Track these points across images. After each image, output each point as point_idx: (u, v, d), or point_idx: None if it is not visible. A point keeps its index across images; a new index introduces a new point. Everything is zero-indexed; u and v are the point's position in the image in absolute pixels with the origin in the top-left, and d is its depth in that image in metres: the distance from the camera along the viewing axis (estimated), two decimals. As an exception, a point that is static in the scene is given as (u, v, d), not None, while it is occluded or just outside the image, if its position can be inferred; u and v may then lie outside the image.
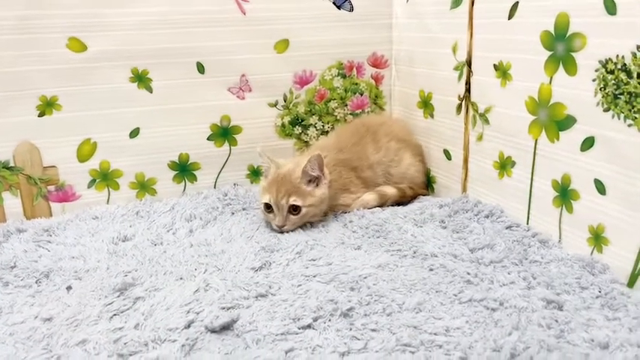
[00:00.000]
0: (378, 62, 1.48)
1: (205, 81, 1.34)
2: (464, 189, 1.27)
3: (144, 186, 1.36)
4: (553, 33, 0.96)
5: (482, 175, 1.21)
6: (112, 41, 1.25)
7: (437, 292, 0.89)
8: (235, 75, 1.36)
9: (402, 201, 1.30)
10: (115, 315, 0.86)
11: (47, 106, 1.24)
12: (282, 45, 1.38)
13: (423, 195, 1.36)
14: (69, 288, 0.96)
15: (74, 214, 1.28)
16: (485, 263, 0.97)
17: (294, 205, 1.14)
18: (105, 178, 1.32)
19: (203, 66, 1.33)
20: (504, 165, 1.13)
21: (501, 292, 0.86)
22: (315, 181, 1.17)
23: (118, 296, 0.91)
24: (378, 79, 1.50)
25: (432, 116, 1.35)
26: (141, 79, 1.29)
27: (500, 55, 1.10)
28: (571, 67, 0.94)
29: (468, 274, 0.93)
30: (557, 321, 0.79)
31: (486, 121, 1.16)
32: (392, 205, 1.28)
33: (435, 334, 0.78)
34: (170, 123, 1.34)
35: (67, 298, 0.91)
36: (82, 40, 1.23)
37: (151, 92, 1.31)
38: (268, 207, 1.16)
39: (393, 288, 0.91)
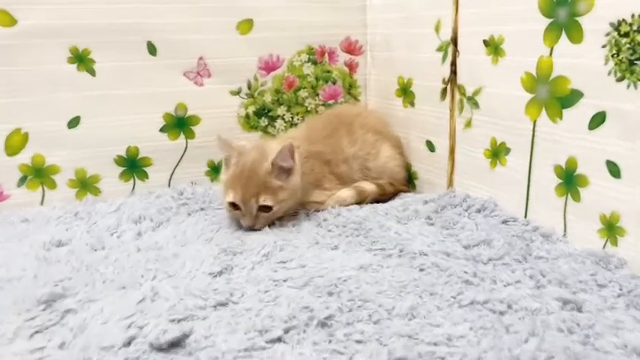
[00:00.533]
0: (351, 48, 1.36)
1: (157, 64, 1.20)
2: (450, 183, 1.15)
3: (85, 184, 1.21)
4: (554, -3, 0.85)
5: (471, 166, 1.09)
6: (48, 14, 1.10)
7: (431, 294, 0.76)
8: (192, 58, 1.23)
9: (382, 198, 1.18)
10: (36, 332, 0.71)
11: (-33, 89, 1.07)
12: (246, 25, 1.25)
13: (404, 192, 1.23)
14: (-17, 300, 0.78)
15: (1, 216, 1.11)
16: (484, 261, 0.84)
17: (264, 205, 1.01)
18: (38, 174, 1.16)
19: (155, 47, 1.19)
20: (497, 153, 1.01)
21: (507, 293, 0.73)
22: (286, 171, 1.02)
23: (44, 309, 0.75)
24: (352, 67, 1.37)
25: (412, 105, 1.23)
26: (82, 59, 1.14)
27: (491, 29, 0.98)
28: (576, 34, 0.82)
29: (466, 272, 0.80)
30: (578, 324, 0.66)
31: (475, 105, 1.04)
32: (370, 203, 1.15)
33: (435, 344, 0.64)
34: (116, 111, 1.19)
35: (-22, 313, 0.74)
36: (10, 12, 1.07)
37: (94, 75, 1.16)
38: (234, 205, 1.02)
39: (379, 291, 0.77)
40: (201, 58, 1.23)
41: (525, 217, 0.97)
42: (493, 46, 0.98)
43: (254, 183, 1.00)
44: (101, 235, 1.03)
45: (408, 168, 1.27)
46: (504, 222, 0.97)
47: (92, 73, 1.16)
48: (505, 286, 0.76)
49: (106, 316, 0.73)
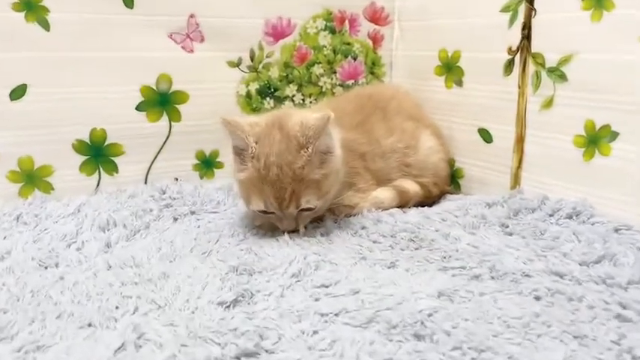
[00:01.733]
0: (377, 16, 1.13)
1: (135, 20, 0.96)
2: (515, 182, 0.91)
3: (32, 178, 0.95)
4: None
5: (551, 159, 0.86)
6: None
7: (578, 338, 0.51)
8: (181, 15, 0.99)
9: (426, 202, 0.93)
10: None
11: None
12: (251, -23, 1.00)
13: (449, 193, 0.98)
14: None
15: None
16: (622, 285, 0.60)
17: (308, 207, 0.78)
18: (-35, 162, 0.87)
19: (132, -4, 0.93)
20: (596, 139, 0.78)
21: (697, 336, 0.48)
22: (325, 152, 0.78)
23: None
24: (376, 40, 1.14)
25: (459, 84, 1.00)
26: (31, 6, 0.89)
27: (593, -25, 0.75)
28: None
29: (607, 303, 0.56)
30: None
31: (561, 78, 0.81)
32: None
33: None
34: (77, 81, 0.94)
35: None
36: None
37: (48, 30, 0.91)
38: (264, 210, 0.80)
39: (493, 333, 0.53)
40: (192, 16, 0.99)
41: (643, 223, 0.73)
42: (595, -3, 0.75)
43: (289, 182, 0.75)
44: (54, 246, 0.78)
45: (451, 164, 1.02)
46: (616, 231, 0.73)
47: (45, 26, 0.90)
48: (676, 323, 0.52)
49: (65, 375, 0.48)
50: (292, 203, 0.76)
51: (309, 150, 0.75)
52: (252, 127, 0.77)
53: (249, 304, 0.61)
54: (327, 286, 0.64)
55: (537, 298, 0.58)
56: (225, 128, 0.77)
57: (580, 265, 0.65)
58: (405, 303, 0.58)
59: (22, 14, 0.87)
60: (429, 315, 0.55)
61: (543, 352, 0.48)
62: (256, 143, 0.76)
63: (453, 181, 1.03)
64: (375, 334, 0.53)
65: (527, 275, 0.64)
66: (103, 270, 0.70)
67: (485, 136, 0.96)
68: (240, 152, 0.78)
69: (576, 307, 0.55)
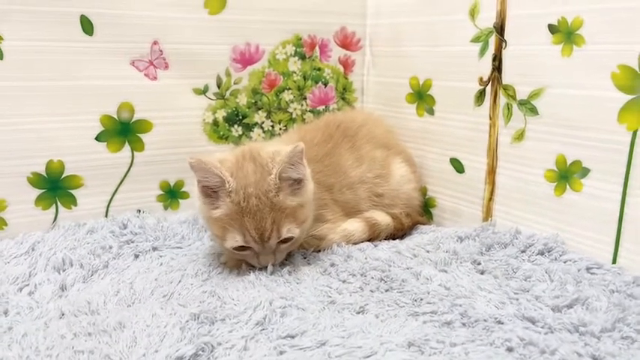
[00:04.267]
0: (347, 42, 1.09)
1: (95, 47, 0.91)
2: (487, 214, 0.89)
3: None
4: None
5: (522, 192, 0.84)
6: None
7: (551, 398, 0.47)
8: (143, 42, 0.94)
9: (398, 234, 0.90)
10: None
11: None
12: (217, 2, 0.96)
13: (422, 224, 0.96)
14: None
15: None
16: (594, 334, 0.58)
17: (288, 237, 0.76)
18: None
19: (91, 22, 0.89)
20: (567, 174, 0.76)
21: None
22: (297, 180, 0.76)
23: None
24: (347, 65, 1.10)
25: (431, 113, 0.97)
26: None
27: (562, 10, 0.75)
28: None
29: (580, 355, 0.53)
30: None
31: (532, 112, 0.80)
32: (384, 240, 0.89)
33: None
34: (33, 110, 0.89)
35: None
36: None
37: (1, 58, 0.85)
38: (242, 248, 0.77)
39: (465, 393, 0.48)
40: (155, 43, 0.95)
41: (614, 262, 0.72)
42: (565, 33, 0.74)
43: (269, 213, 0.73)
44: (4, 290, 0.73)
45: (423, 192, 1.00)
46: (588, 270, 0.71)
47: None
48: (651, 378, 0.50)
49: None
50: (274, 233, 0.74)
51: (273, 175, 0.73)
52: (223, 164, 0.75)
53: (209, 359, 0.57)
54: (292, 337, 0.60)
55: (509, 350, 0.56)
56: (194, 169, 0.73)
57: (552, 310, 0.63)
58: (373, 356, 0.55)
59: None
60: None
61: (516, 417, 0.46)
62: (232, 177, 0.73)
63: (425, 210, 1.01)
64: None
65: (499, 322, 0.61)
66: (56, 318, 0.66)
67: (457, 166, 0.94)
68: (210, 192, 0.74)
69: (547, 361, 0.53)
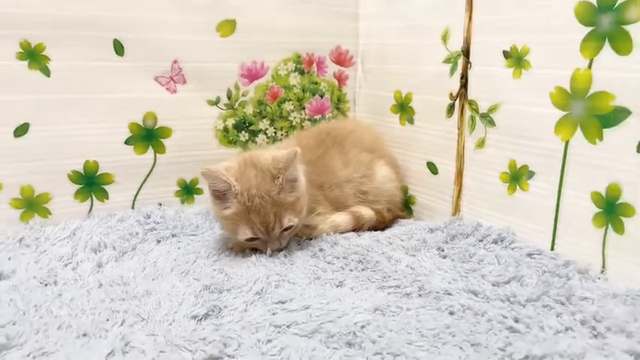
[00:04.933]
0: (342, 59, 1.24)
1: (125, 66, 1.04)
2: (456, 209, 1.04)
3: (32, 204, 1.03)
4: (595, 3, 0.76)
5: (483, 192, 0.98)
6: (-7, 1, 0.92)
7: (474, 345, 0.63)
8: (165, 61, 1.08)
9: (379, 227, 1.04)
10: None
11: None
12: (228, 27, 1.11)
13: (402, 218, 1.10)
14: None
15: None
16: (521, 302, 0.72)
17: (289, 225, 0.91)
18: (-26, 191, 0.96)
19: (122, 45, 1.03)
20: (517, 176, 0.91)
21: (566, 344, 0.61)
22: (294, 179, 0.91)
23: None
24: (341, 79, 1.25)
25: (411, 122, 1.12)
26: (34, 56, 0.97)
27: (514, 38, 0.88)
28: (623, 45, 0.73)
29: (505, 317, 0.69)
30: (663, 386, 0.54)
31: (491, 123, 0.94)
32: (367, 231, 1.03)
33: (500, 415, 0.50)
34: (73, 119, 1.03)
35: None
36: (-54, -4, 0.89)
37: (48, 75, 0.99)
38: (252, 239, 0.90)
39: (408, 341, 0.64)
40: (175, 62, 1.08)
41: (552, 249, 0.86)
42: (515, 58, 0.88)
43: (271, 207, 0.88)
44: (53, 266, 0.87)
45: (405, 191, 1.14)
46: (529, 255, 0.85)
47: (46, 72, 0.99)
48: (556, 334, 0.65)
49: (65, 376, 0.57)
50: (277, 224, 0.88)
51: (280, 179, 0.87)
52: (229, 171, 0.89)
53: (217, 317, 0.71)
54: (283, 302, 0.74)
55: (451, 313, 0.70)
56: (206, 177, 0.88)
57: (492, 285, 0.77)
58: (345, 317, 0.69)
59: (25, 62, 0.96)
60: (362, 327, 0.67)
61: (443, 356, 0.60)
62: (237, 182, 0.88)
63: (406, 206, 1.16)
64: (317, 343, 0.64)
65: (448, 293, 0.75)
66: (96, 288, 0.79)
67: (432, 168, 1.08)
68: (220, 195, 0.89)
69: (478, 321, 0.68)
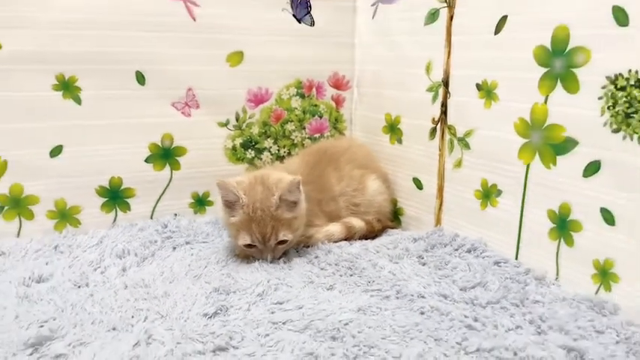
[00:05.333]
0: (339, 83, 1.37)
1: (145, 93, 1.17)
2: (438, 221, 1.16)
3: (65, 215, 1.16)
4: (550, 48, 0.88)
5: (460, 206, 1.10)
6: (34, 40, 1.06)
7: (436, 340, 0.75)
8: (181, 88, 1.21)
9: (370, 235, 1.17)
10: (26, 381, 0.66)
11: (-54, 115, 1.02)
12: (236, 57, 1.24)
13: (391, 228, 1.23)
14: (-37, 344, 0.74)
15: (-26, 249, 1.06)
16: (482, 304, 0.85)
17: (283, 240, 1.02)
18: (16, 204, 1.11)
19: (143, 76, 1.16)
20: (488, 194, 1.03)
21: (512, 340, 0.74)
22: (294, 202, 1.03)
23: (32, 353, 0.72)
24: (338, 102, 1.38)
25: (399, 142, 1.24)
26: (67, 87, 1.11)
27: (485, 74, 1.01)
28: (572, 85, 0.85)
29: (466, 317, 0.81)
30: (585, 374, 0.67)
31: (466, 146, 1.06)
32: (359, 240, 1.15)
33: (448, 395, 0.63)
34: (101, 141, 1.16)
35: (-40, 359, 0.71)
36: (-5, 37, 1.03)
37: (79, 104, 1.13)
38: (249, 245, 1.02)
39: (383, 336, 0.77)
40: (190, 89, 1.21)
41: (517, 258, 0.98)
42: (486, 90, 1.01)
43: (269, 221, 1.00)
44: (84, 270, 0.99)
45: (394, 203, 1.27)
46: (496, 263, 0.98)
47: (78, 101, 1.12)
48: (507, 331, 0.77)
49: (101, 361, 0.70)
50: (272, 236, 1.00)
51: (276, 196, 1.00)
52: (240, 185, 1.02)
53: (224, 315, 0.82)
54: (281, 303, 0.86)
55: (422, 313, 0.82)
56: (220, 188, 1.01)
57: (460, 289, 0.90)
58: (332, 315, 0.81)
59: (60, 93, 1.09)
60: (345, 324, 0.78)
61: (410, 348, 0.73)
62: (245, 195, 1.01)
63: (395, 217, 1.29)
64: (307, 337, 0.76)
65: (422, 296, 0.88)
66: (121, 289, 0.90)
67: (418, 184, 1.21)
68: (230, 204, 1.02)
69: (443, 320, 0.80)
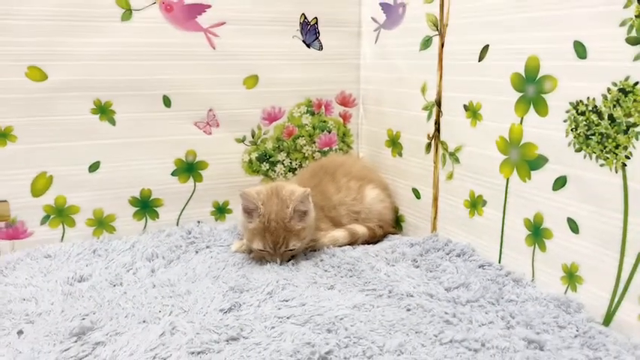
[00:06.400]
0: (346, 101, 1.49)
1: (171, 115, 1.31)
2: (434, 228, 1.27)
3: (102, 223, 1.30)
4: (524, 75, 0.99)
5: (452, 214, 1.21)
6: (75, 71, 1.20)
7: (417, 332, 0.87)
8: (202, 109, 1.34)
9: (372, 240, 1.29)
10: (73, 362, 0.79)
11: (1, 137, 1.17)
12: (252, 81, 1.37)
13: (393, 234, 1.34)
14: (20, 332, 0.89)
15: (25, 253, 1.20)
16: (462, 303, 0.96)
17: (292, 248, 1.14)
18: (60, 214, 1.26)
19: (169, 99, 1.30)
20: (475, 204, 1.14)
21: (482, 333, 0.85)
22: (304, 212, 1.15)
23: (76, 341, 0.85)
24: (346, 118, 1.50)
25: (400, 155, 1.36)
26: (103, 110, 1.25)
27: (471, 96, 1.11)
28: (542, 109, 0.96)
29: (446, 313, 0.92)
30: (540, 361, 0.78)
31: (456, 160, 1.17)
32: (362, 244, 1.27)
33: (420, 377, 0.75)
34: (133, 157, 1.30)
35: (19, 344, 0.84)
36: (42, 69, 1.18)
37: (114, 125, 1.27)
38: (261, 250, 1.15)
39: (371, 329, 0.88)
40: (210, 110, 1.34)
41: (499, 262, 1.09)
42: (472, 111, 1.12)
43: (282, 231, 1.12)
44: (118, 271, 1.11)
45: (395, 211, 1.39)
46: (481, 266, 1.08)
47: (112, 122, 1.26)
48: (480, 326, 0.88)
49: (133, 348, 0.82)
50: (283, 245, 1.12)
51: (291, 208, 1.12)
52: (259, 195, 1.15)
53: (237, 310, 0.94)
54: (287, 301, 0.97)
55: (408, 310, 0.94)
56: (241, 197, 1.14)
57: (445, 289, 1.01)
58: (330, 311, 0.93)
59: (97, 116, 1.23)
60: (341, 319, 0.90)
61: (392, 339, 0.84)
62: (262, 205, 1.14)
63: (397, 224, 1.40)
64: (307, 329, 0.88)
65: (410, 295, 0.99)
66: (150, 288, 1.02)
67: (416, 193, 1.32)
68: (249, 211, 1.14)
69: (425, 316, 0.92)
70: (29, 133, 1.19)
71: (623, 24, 0.81)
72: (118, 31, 1.22)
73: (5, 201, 1.20)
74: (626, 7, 0.80)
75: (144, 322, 0.91)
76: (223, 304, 0.97)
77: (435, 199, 1.25)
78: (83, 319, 0.90)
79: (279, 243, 1.13)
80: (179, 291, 1.02)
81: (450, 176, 1.20)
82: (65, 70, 1.20)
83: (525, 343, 0.82)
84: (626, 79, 0.81)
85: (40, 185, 1.22)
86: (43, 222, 1.24)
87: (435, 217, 1.26)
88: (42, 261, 1.16)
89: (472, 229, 1.15)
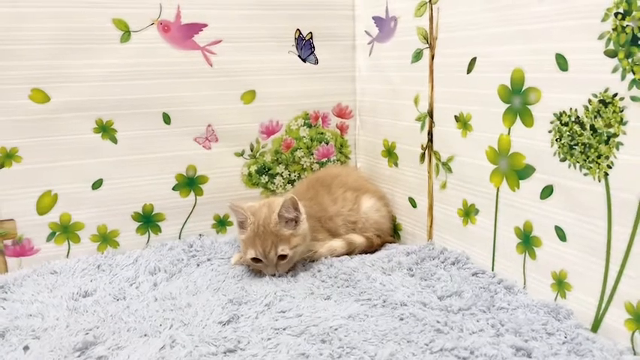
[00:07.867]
0: (342, 112, 1.52)
1: (171, 131, 1.34)
2: (429, 236, 1.29)
3: (106, 238, 1.33)
4: (510, 87, 1.01)
5: (447, 223, 1.23)
6: (77, 92, 1.24)
7: (408, 342, 0.89)
8: (202, 125, 1.37)
9: (370, 250, 1.31)
10: (76, 376, 0.82)
11: (6, 157, 1.21)
12: (249, 96, 1.40)
13: (391, 242, 1.37)
14: (26, 348, 0.91)
15: (31, 269, 1.23)
16: (454, 311, 0.98)
17: (282, 254, 1.15)
18: (65, 230, 1.29)
19: (169, 116, 1.33)
20: (468, 212, 1.16)
21: (471, 341, 0.87)
22: (293, 220, 1.17)
23: (79, 356, 0.87)
24: (342, 129, 1.53)
25: (396, 165, 1.38)
26: (105, 129, 1.28)
27: (461, 107, 1.14)
28: (528, 119, 0.98)
29: (438, 322, 0.94)
30: (527, 368, 0.80)
31: (449, 170, 1.20)
32: (360, 253, 1.29)
33: (409, 386, 0.77)
34: (135, 174, 1.32)
35: (25, 359, 0.87)
36: (45, 91, 1.22)
37: (116, 143, 1.30)
38: (255, 259, 1.17)
39: (364, 339, 0.90)
40: (209, 126, 1.37)
41: (492, 270, 1.11)
42: (462, 122, 1.14)
43: (270, 236, 1.15)
44: (122, 285, 1.13)
45: (393, 219, 1.41)
46: (474, 274, 1.10)
47: (114, 140, 1.29)
48: (470, 334, 0.90)
49: (134, 362, 0.86)
50: (272, 250, 1.14)
51: (275, 214, 1.15)
52: (250, 208, 1.18)
53: (235, 323, 0.96)
54: (284, 312, 0.99)
55: (401, 319, 0.96)
56: (231, 210, 1.18)
57: (439, 298, 1.04)
58: (325, 322, 0.95)
59: (99, 134, 1.26)
60: (335, 329, 0.92)
61: (385, 349, 0.86)
62: (252, 215, 1.17)
63: (395, 233, 1.43)
64: (302, 340, 0.90)
65: (404, 304, 1.01)
66: (152, 302, 1.03)
67: (412, 202, 1.35)
68: (242, 224, 1.18)
69: (417, 325, 0.94)
70: (34, 154, 1.23)
71: (601, 37, 0.83)
72: (118, 52, 1.25)
73: (12, 219, 1.24)
74: (603, 20, 0.82)
75: (145, 335, 0.92)
76: (222, 316, 0.99)
77: (430, 208, 1.28)
78: (87, 333, 0.93)
79: (268, 247, 1.15)
80: (180, 304, 1.04)
81: (444, 185, 1.22)
82: (67, 92, 1.23)
83: (513, 350, 0.84)
84: (606, 90, 0.83)
85: (45, 203, 1.26)
86: (48, 239, 1.28)
87: (430, 226, 1.29)
88: (48, 277, 1.19)
89: (466, 238, 1.18)
